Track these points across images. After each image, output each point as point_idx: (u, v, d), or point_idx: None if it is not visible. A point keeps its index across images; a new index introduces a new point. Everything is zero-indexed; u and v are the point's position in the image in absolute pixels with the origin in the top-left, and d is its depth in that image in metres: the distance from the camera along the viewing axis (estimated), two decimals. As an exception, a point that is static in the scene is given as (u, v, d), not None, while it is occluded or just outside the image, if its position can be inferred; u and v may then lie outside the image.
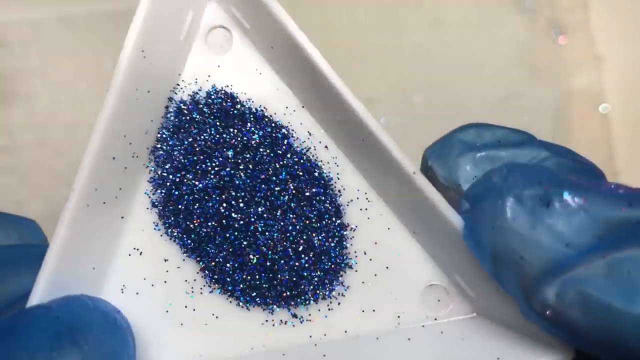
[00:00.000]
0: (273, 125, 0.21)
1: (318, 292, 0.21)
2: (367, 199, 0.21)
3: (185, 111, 0.21)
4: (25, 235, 0.21)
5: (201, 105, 0.21)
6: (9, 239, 0.21)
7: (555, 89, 0.37)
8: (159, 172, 0.21)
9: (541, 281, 0.15)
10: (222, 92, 0.21)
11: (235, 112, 0.21)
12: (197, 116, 0.21)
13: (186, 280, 0.21)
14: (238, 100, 0.21)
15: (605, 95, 0.37)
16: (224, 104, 0.21)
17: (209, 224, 0.20)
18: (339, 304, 0.21)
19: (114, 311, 0.18)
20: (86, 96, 0.37)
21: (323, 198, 0.21)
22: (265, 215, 0.20)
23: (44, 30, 0.37)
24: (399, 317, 0.21)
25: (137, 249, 0.21)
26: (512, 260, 0.16)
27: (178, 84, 0.21)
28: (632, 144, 0.37)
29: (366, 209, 0.21)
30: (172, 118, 0.21)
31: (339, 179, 0.21)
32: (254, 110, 0.21)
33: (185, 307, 0.21)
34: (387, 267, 0.21)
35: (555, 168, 0.18)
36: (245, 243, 0.20)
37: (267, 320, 0.21)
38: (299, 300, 0.21)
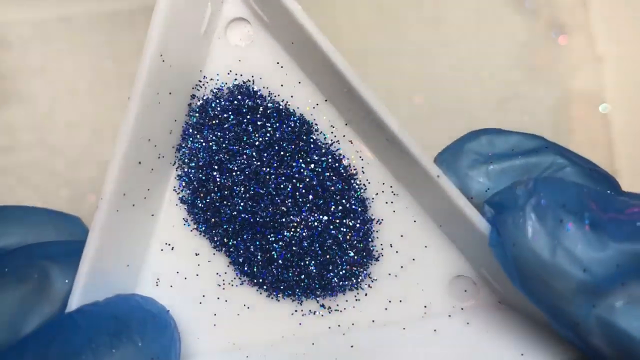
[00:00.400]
0: (296, 119, 0.21)
1: (345, 283, 0.21)
2: (392, 192, 0.21)
3: (209, 108, 0.21)
4: (74, 231, 0.22)
5: (224, 102, 0.21)
6: (62, 234, 0.21)
7: (555, 89, 0.37)
8: (185, 170, 0.21)
9: (561, 304, 0.15)
10: (245, 87, 0.21)
11: (258, 107, 0.21)
12: (220, 113, 0.21)
13: (217, 273, 0.21)
14: (260, 94, 0.21)
15: (605, 95, 0.37)
16: (247, 99, 0.21)
17: (236, 219, 0.21)
18: (365, 294, 0.21)
19: (164, 310, 0.18)
20: (86, 96, 0.37)
21: (348, 192, 0.21)
22: (291, 210, 0.21)
23: (44, 30, 0.37)
24: (425, 307, 0.21)
25: (169, 244, 0.21)
26: (533, 278, 0.16)
27: (200, 81, 0.21)
28: (632, 144, 0.37)
29: (392, 202, 0.21)
30: (196, 115, 0.21)
31: (363, 172, 0.21)
32: (276, 104, 0.21)
33: (218, 298, 0.21)
34: (413, 259, 0.21)
35: (573, 178, 0.18)
36: (272, 238, 0.21)
37: (296, 311, 0.21)
38: (326, 291, 0.21)
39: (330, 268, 0.21)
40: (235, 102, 0.21)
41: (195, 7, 0.20)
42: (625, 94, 0.37)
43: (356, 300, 0.21)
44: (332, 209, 0.21)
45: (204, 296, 0.21)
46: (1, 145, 0.36)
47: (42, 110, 0.37)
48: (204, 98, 0.21)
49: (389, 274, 0.21)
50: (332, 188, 0.21)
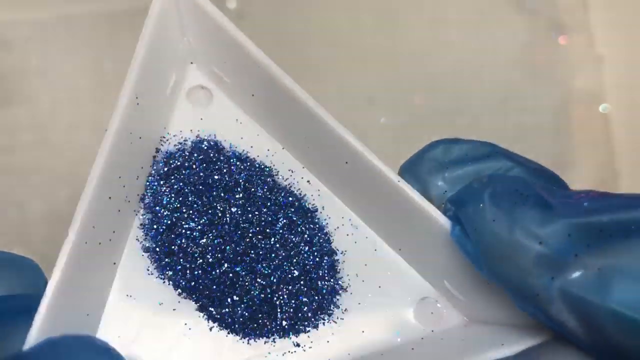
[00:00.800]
0: (257, 165, 0.22)
1: (317, 318, 0.21)
2: (352, 224, 0.22)
3: (172, 161, 0.22)
4: (25, 278, 0.20)
5: (187, 154, 0.22)
6: (10, 285, 0.20)
7: (555, 89, 0.37)
8: (150, 217, 0.21)
9: (522, 278, 0.17)
10: (207, 140, 0.22)
11: (221, 157, 0.22)
12: (186, 162, 0.22)
13: (185, 323, 0.21)
14: (222, 146, 0.22)
15: (605, 95, 0.37)
16: (209, 151, 0.22)
17: (205, 259, 0.21)
18: (339, 327, 0.21)
19: (104, 347, 0.17)
20: (86, 96, 0.37)
21: (312, 226, 0.22)
22: (259, 248, 0.21)
23: (44, 30, 0.37)
24: (398, 332, 0.21)
25: (130, 295, 0.21)
26: (494, 258, 0.17)
27: (164, 137, 0.22)
28: (632, 144, 0.37)
29: (352, 234, 0.22)
30: (161, 166, 0.22)
31: (323, 209, 0.22)
32: (237, 154, 0.22)
33: (186, 350, 0.21)
34: (379, 287, 0.22)
35: (522, 177, 0.20)
36: (241, 279, 0.21)
37: (269, 353, 0.21)
38: (299, 327, 0.21)
39: (303, 300, 0.21)
40: (200, 153, 0.22)
41: (163, 70, 0.22)
42: (625, 94, 0.37)
43: (331, 334, 0.21)
44: (298, 242, 0.21)
45: (170, 347, 0.20)
46: (1, 145, 0.36)
47: (42, 111, 0.37)
48: (168, 151, 0.22)
49: (359, 303, 0.22)
50: (298, 222, 0.22)
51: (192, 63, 0.23)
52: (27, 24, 0.37)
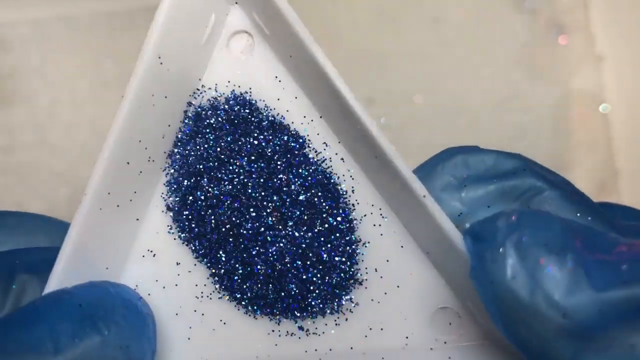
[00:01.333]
0: (290, 134, 0.21)
1: (326, 306, 0.20)
2: (381, 214, 0.21)
3: (203, 116, 0.21)
4: (46, 234, 0.22)
5: (219, 111, 0.21)
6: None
7: (555, 89, 0.37)
8: (175, 176, 0.21)
9: (541, 346, 0.15)
10: (241, 98, 0.21)
11: (253, 119, 0.21)
12: (215, 122, 0.21)
13: (196, 285, 0.21)
14: (256, 107, 0.21)
15: (605, 95, 0.37)
16: (242, 110, 0.21)
17: (220, 230, 0.20)
18: (346, 319, 0.21)
19: (136, 298, 0.18)
20: (86, 96, 0.37)
21: (335, 211, 0.20)
22: (276, 226, 0.20)
23: (44, 30, 0.37)
24: (407, 337, 0.20)
25: (151, 251, 0.21)
26: (511, 316, 0.15)
27: (198, 89, 0.21)
28: (632, 144, 0.37)
29: (380, 225, 0.21)
30: (190, 123, 0.21)
31: (353, 192, 0.21)
32: (271, 118, 0.21)
33: (195, 311, 0.21)
34: (398, 286, 0.20)
35: (552, 202, 0.17)
36: (254, 252, 0.20)
37: (273, 331, 0.21)
38: (305, 313, 0.20)
39: (312, 288, 0.20)
40: (231, 112, 0.21)
41: (199, 15, 0.20)
42: (625, 94, 0.37)
43: (336, 324, 0.21)
44: (318, 227, 0.20)
45: (180, 307, 0.21)
46: (1, 145, 0.36)
47: (42, 110, 0.37)
48: (200, 106, 0.21)
49: (372, 300, 0.20)
50: (320, 206, 0.20)
51: (236, 3, 0.21)
52: (27, 24, 0.37)
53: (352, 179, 0.21)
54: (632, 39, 0.37)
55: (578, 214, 0.17)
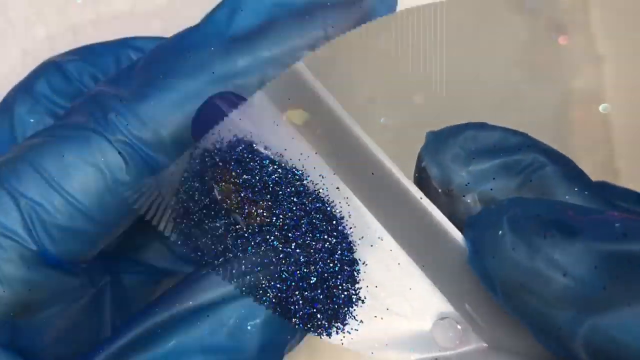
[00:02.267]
0: (288, 168, 0.22)
1: (332, 325, 0.21)
2: (377, 236, 0.22)
3: (208, 158, 0.22)
4: None
5: (223, 152, 0.22)
6: None
7: (555, 89, 0.37)
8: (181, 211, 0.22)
9: (543, 310, 0.15)
10: (243, 141, 0.23)
11: (255, 157, 0.22)
12: (219, 162, 0.22)
13: None
14: (257, 148, 0.23)
15: (605, 95, 0.37)
16: (244, 151, 0.22)
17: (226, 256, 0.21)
18: (352, 338, 0.21)
19: None
20: (86, 96, 0.37)
21: (335, 234, 0.22)
22: (280, 248, 0.21)
23: (44, 30, 0.37)
24: (412, 350, 0.21)
25: None
26: (513, 288, 0.16)
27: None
28: (632, 144, 0.37)
29: (376, 245, 0.22)
30: (197, 163, 0.22)
31: (350, 217, 0.22)
32: (271, 155, 0.23)
33: None
34: (399, 302, 0.22)
35: (552, 177, 0.18)
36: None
37: None
38: (312, 333, 0.21)
39: (319, 308, 0.21)
40: (234, 152, 0.22)
41: None
42: (625, 94, 0.37)
43: (342, 344, 0.21)
44: (320, 249, 0.21)
45: None
46: (0, 145, 0.36)
47: (41, 111, 0.36)
48: (206, 148, 0.23)
49: (375, 316, 0.21)
50: (321, 229, 0.22)
51: None
52: (27, 23, 0.37)
53: (348, 205, 0.22)
54: (632, 39, 0.37)
55: (576, 189, 0.18)
